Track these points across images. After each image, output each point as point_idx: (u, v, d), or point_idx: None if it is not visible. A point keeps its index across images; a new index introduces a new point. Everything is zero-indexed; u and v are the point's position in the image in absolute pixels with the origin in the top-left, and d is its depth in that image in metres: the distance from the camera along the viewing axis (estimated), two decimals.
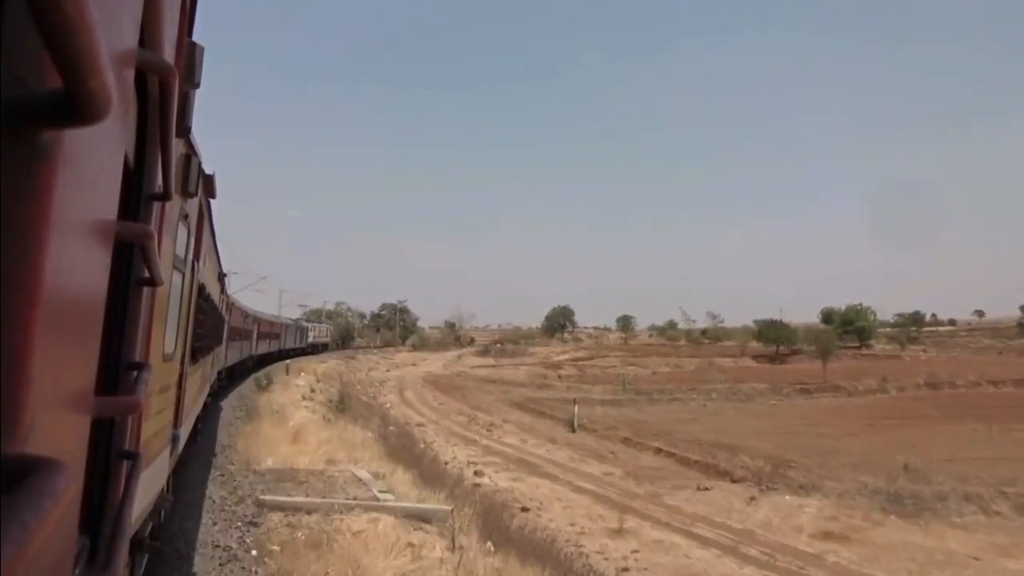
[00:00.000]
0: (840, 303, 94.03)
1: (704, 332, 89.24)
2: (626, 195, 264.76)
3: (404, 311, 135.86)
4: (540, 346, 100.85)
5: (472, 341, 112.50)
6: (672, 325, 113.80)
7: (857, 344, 73.64)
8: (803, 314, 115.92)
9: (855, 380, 47.52)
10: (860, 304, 75.87)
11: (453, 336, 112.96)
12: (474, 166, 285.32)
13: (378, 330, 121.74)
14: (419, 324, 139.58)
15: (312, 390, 29.69)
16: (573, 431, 32.91)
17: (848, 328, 73.36)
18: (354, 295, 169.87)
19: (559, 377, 59.79)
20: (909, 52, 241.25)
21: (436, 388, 51.16)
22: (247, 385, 24.85)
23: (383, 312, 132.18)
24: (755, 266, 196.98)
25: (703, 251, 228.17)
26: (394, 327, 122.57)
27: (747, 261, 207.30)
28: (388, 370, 64.19)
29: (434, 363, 74.30)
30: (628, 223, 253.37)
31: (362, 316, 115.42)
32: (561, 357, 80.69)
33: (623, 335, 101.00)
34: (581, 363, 66.18)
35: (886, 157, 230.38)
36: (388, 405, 40.88)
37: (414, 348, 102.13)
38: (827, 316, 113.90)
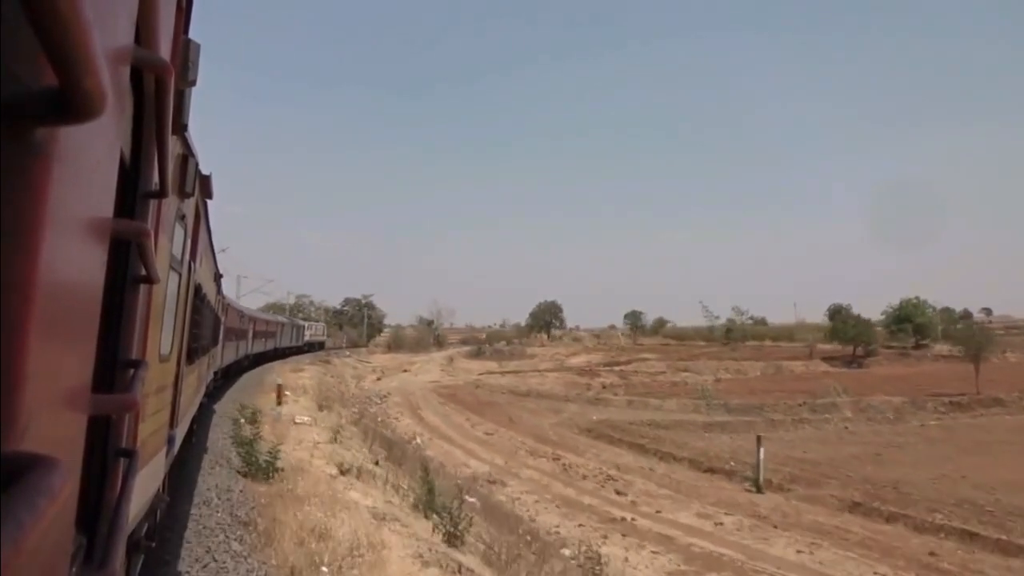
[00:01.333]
0: (833, 301, 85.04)
1: (728, 331, 78.41)
2: (602, 191, 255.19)
3: (370, 307, 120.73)
4: (536, 346, 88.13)
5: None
6: (662, 323, 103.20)
7: (911, 344, 63.97)
8: (806, 312, 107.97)
9: (1010, 390, 37.01)
10: (916, 298, 66.42)
11: (432, 335, 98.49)
12: (442, 165, 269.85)
13: (341, 328, 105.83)
14: (386, 322, 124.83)
15: (335, 436, 15.88)
16: (759, 490, 20.17)
17: (903, 326, 63.67)
18: (314, 289, 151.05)
19: (604, 387, 47.08)
20: (923, 44, 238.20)
21: (461, 405, 37.48)
22: (230, 462, 10.57)
23: (346, 308, 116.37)
24: (748, 266, 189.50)
25: (693, 251, 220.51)
26: (358, 324, 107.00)
27: (740, 261, 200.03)
28: (379, 378, 49.90)
29: (430, 368, 60.24)
30: (605, 219, 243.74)
31: (327, 311, 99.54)
32: (576, 360, 68.10)
33: (632, 333, 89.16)
34: (619, 368, 53.78)
35: (884, 155, 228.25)
36: (415, 438, 27.12)
37: (389, 349, 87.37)
38: (834, 313, 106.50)
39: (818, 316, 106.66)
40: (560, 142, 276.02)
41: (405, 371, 56.54)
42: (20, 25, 0.51)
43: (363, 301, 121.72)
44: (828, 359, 54.58)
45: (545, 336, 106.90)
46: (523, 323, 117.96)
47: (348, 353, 72.13)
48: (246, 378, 26.88)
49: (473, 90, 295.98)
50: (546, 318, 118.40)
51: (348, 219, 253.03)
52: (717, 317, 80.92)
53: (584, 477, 21.93)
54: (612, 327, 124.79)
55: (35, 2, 0.45)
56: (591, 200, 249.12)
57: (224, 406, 18.16)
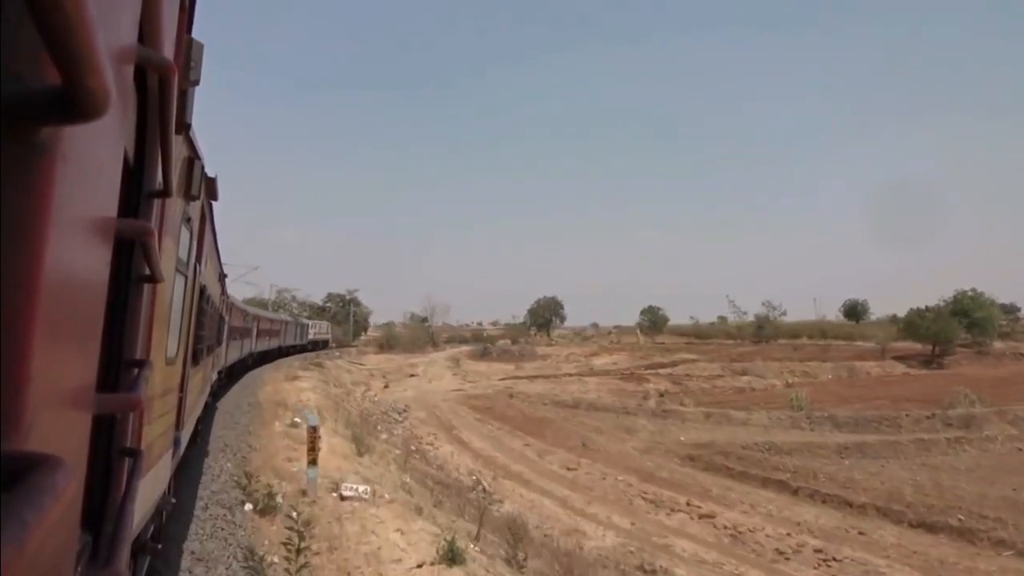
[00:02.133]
0: (828, 297, 77.99)
1: (760, 328, 71.50)
2: (590, 191, 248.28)
3: (355, 303, 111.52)
4: (543, 345, 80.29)
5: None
6: (664, 320, 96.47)
7: (977, 341, 57.09)
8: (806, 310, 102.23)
9: None
10: (973, 290, 60.10)
11: (427, 334, 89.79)
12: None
13: None
14: (372, 319, 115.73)
15: (446, 543, 7.51)
16: None
17: (962, 321, 57.28)
18: (298, 285, 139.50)
19: (661, 395, 39.36)
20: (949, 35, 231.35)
21: (505, 422, 29.27)
22: None
23: (328, 304, 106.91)
24: (748, 264, 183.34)
25: (684, 249, 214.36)
26: (343, 322, 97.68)
27: (735, 257, 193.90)
28: (386, 386, 41.34)
29: (439, 372, 51.80)
30: (583, 218, 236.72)
31: (311, 307, 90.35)
32: (601, 361, 60.43)
33: (647, 332, 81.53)
34: (666, 372, 46.17)
35: (886, 149, 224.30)
36: (478, 483, 18.90)
37: (382, 349, 78.41)
38: (850, 310, 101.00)
39: (830, 313, 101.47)
40: (555, 140, 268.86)
41: (412, 376, 48.03)
42: (23, 24, 0.50)
43: (347, 297, 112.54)
44: (900, 358, 47.79)
45: (546, 334, 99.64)
46: (521, 320, 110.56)
47: (338, 353, 63.23)
48: (237, 395, 18.38)
49: (464, 91, 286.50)
50: (546, 315, 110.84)
51: (332, 219, 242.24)
52: (745, 312, 74.01)
53: (782, 555, 13.97)
54: (595, 325, 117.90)
55: (39, 1, 0.44)
56: (577, 200, 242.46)
57: (215, 464, 9.77)
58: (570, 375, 47.11)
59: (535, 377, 46.26)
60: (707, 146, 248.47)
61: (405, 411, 30.97)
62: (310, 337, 51.55)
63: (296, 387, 24.29)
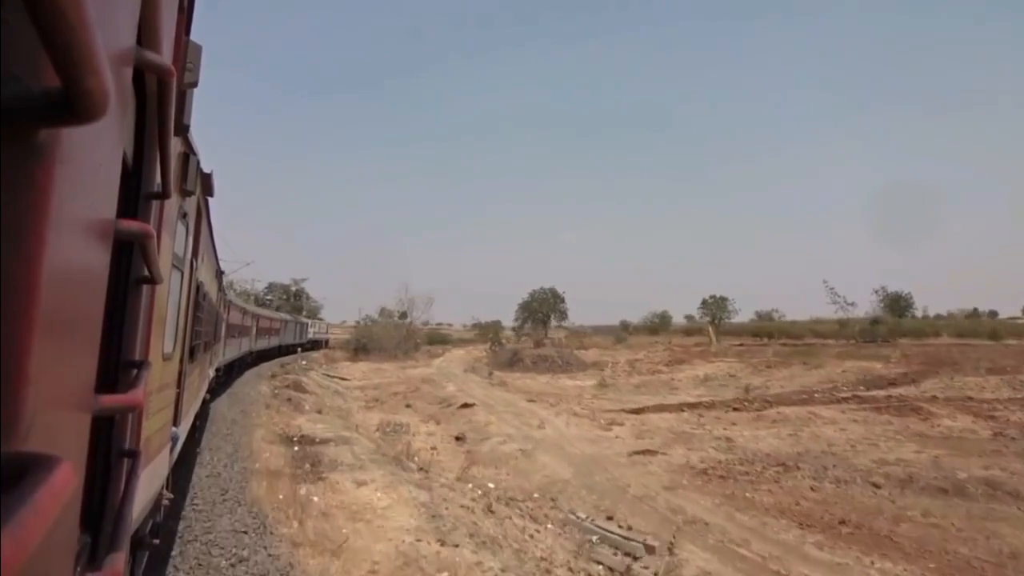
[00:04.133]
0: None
1: (875, 322, 54.18)
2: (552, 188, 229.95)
3: (303, 295, 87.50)
4: (577, 348, 59.99)
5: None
6: (666, 319, 79.36)
7: None
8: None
9: None
10: None
11: (409, 333, 67.09)
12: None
13: None
14: (322, 315, 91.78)
15: None
16: None
17: None
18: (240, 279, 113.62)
19: None
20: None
21: None
22: None
23: (270, 297, 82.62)
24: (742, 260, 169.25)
25: (678, 247, 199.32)
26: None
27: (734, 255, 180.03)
28: (458, 437, 19.48)
29: (504, 399, 30.28)
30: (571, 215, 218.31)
31: (253, 297, 66.17)
32: (711, 369, 40.77)
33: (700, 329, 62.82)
34: (900, 390, 26.99)
35: (891, 145, 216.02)
36: None
37: (356, 353, 55.47)
38: (892, 303, 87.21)
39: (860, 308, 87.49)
40: (534, 136, 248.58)
41: (465, 406, 26.19)
42: (22, 25, 0.50)
43: (293, 288, 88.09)
44: None
45: (545, 334, 79.48)
46: (514, 317, 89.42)
47: (304, 361, 40.50)
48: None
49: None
50: (544, 310, 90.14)
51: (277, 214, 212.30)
52: (852, 304, 56.68)
53: None
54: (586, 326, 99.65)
55: (38, 2, 0.44)
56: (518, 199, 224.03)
57: None
58: (745, 403, 26.88)
59: (721, 408, 25.57)
60: (700, 145, 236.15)
61: (640, 566, 9.70)
62: (309, 336, 49.34)
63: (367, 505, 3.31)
